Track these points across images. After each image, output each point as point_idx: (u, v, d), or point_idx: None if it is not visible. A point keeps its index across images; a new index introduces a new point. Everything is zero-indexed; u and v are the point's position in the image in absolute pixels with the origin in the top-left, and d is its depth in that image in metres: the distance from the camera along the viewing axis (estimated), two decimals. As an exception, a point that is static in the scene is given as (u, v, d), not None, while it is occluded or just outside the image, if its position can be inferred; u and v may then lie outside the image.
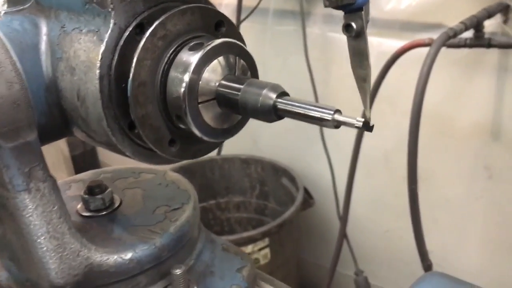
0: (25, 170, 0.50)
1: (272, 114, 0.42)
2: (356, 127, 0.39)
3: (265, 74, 1.87)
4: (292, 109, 0.42)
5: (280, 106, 0.42)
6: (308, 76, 1.77)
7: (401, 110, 1.51)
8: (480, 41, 1.39)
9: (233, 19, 1.87)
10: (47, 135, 0.52)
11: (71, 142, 2.13)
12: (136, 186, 0.66)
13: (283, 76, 1.83)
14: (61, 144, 2.06)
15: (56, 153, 2.04)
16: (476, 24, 1.36)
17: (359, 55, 0.41)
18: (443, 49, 1.34)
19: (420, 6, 1.59)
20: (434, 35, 1.39)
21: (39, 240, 0.51)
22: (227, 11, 1.97)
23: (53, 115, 0.51)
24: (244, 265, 0.62)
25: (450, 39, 1.33)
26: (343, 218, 1.76)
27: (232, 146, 2.03)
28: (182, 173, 0.72)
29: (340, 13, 1.40)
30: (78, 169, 2.09)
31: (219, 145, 0.53)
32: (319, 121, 0.40)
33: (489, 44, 1.38)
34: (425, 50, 1.34)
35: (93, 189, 0.61)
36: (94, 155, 2.29)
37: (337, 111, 0.40)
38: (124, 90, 0.46)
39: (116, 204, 0.62)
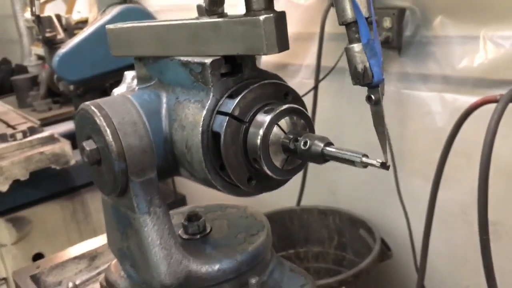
0: (148, 198, 0.73)
1: (320, 158, 0.62)
2: (376, 166, 0.57)
3: (341, 129, 2.11)
4: (334, 154, 0.61)
5: (325, 152, 0.62)
6: (384, 132, 1.93)
7: (476, 164, 1.62)
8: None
9: (312, 78, 2.11)
10: (163, 174, 0.76)
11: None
12: (223, 217, 0.88)
13: (360, 131, 2.00)
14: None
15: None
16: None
17: (378, 117, 0.60)
18: (512, 104, 1.46)
19: (493, 64, 1.72)
20: (505, 92, 1.52)
21: (154, 250, 0.73)
22: (307, 71, 2.22)
23: (168, 159, 0.75)
24: (306, 282, 0.80)
25: (519, 96, 1.45)
26: (421, 270, 1.85)
27: (311, 198, 2.21)
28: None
29: (414, 70, 1.60)
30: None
31: (286, 182, 0.74)
32: (352, 163, 0.59)
33: None
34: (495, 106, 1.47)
35: (191, 218, 0.83)
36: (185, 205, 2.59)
37: (364, 155, 0.59)
38: (217, 142, 0.68)
39: (208, 230, 0.84)
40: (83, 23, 2.50)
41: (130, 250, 0.78)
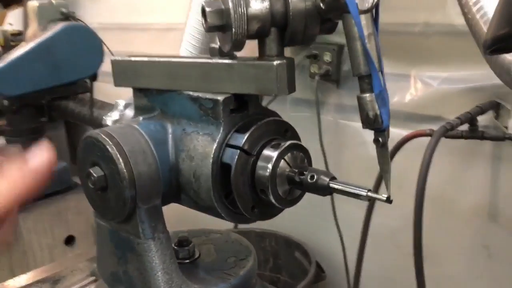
0: (153, 224, 0.78)
1: (326, 190, 0.71)
2: (382, 200, 0.67)
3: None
4: (340, 188, 0.70)
5: (331, 185, 0.71)
6: (322, 159, 2.07)
7: (406, 192, 1.79)
8: (475, 133, 1.70)
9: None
10: (165, 200, 0.81)
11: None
12: (208, 242, 0.94)
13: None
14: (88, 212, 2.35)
15: (84, 220, 2.32)
16: (471, 119, 1.68)
17: (383, 157, 0.70)
18: (443, 138, 1.64)
19: (422, 100, 1.92)
20: (434, 126, 1.70)
21: (157, 274, 0.78)
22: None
23: (172, 187, 0.80)
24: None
25: (448, 131, 1.64)
26: (354, 292, 1.99)
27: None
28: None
29: (350, 102, 1.76)
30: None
31: (282, 211, 0.82)
32: (357, 196, 0.69)
33: (482, 137, 1.69)
34: (426, 139, 1.65)
35: (182, 243, 0.88)
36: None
37: (370, 190, 0.68)
38: (225, 172, 0.75)
39: (197, 255, 0.89)
40: (16, 35, 2.42)
41: (127, 275, 0.81)
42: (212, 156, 0.75)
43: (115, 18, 2.74)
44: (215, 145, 0.75)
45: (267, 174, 0.73)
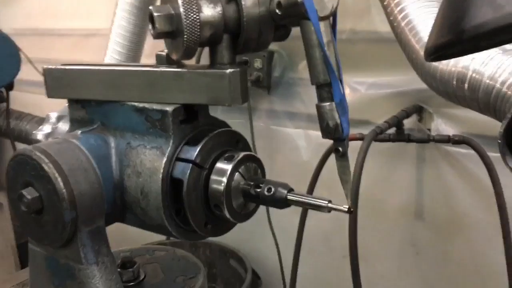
0: (96, 247, 0.71)
1: (284, 203, 0.68)
2: (343, 211, 0.65)
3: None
4: (298, 199, 0.67)
5: (289, 197, 0.67)
6: (255, 165, 2.05)
7: (338, 193, 1.81)
8: (401, 136, 1.75)
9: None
10: (108, 221, 0.73)
11: (18, 231, 2.22)
12: (153, 261, 0.87)
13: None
14: (9, 233, 2.16)
15: (3, 241, 2.13)
16: (397, 122, 1.72)
17: (343, 167, 0.68)
18: (372, 141, 1.67)
19: (350, 105, 1.94)
20: (362, 130, 1.73)
21: (102, 302, 0.70)
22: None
23: (116, 206, 0.73)
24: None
25: (378, 135, 1.67)
26: (290, 297, 1.98)
27: (181, 231, 2.22)
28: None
29: (281, 108, 1.75)
30: (23, 255, 2.17)
31: (235, 225, 0.77)
32: (318, 208, 0.66)
33: (408, 139, 1.74)
34: (356, 143, 1.67)
35: (125, 264, 0.81)
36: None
37: (330, 201, 0.65)
38: (176, 188, 0.69)
39: (142, 276, 0.83)
40: None
41: (67, 305, 0.73)
42: (161, 171, 0.69)
43: (31, 23, 2.57)
44: (164, 159, 0.69)
45: (222, 188, 0.68)
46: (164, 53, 0.70)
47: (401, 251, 1.95)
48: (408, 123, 1.79)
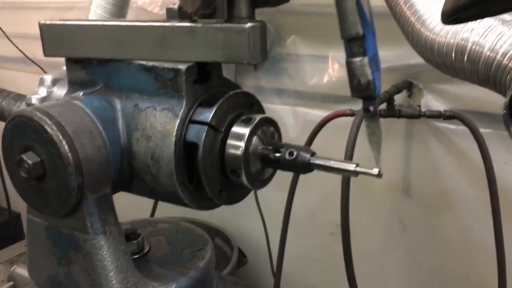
0: (103, 216, 0.65)
1: (307, 168, 0.63)
2: (373, 175, 0.61)
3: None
4: (323, 164, 0.63)
5: (313, 161, 0.63)
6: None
7: (325, 173, 1.78)
8: (392, 112, 1.73)
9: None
10: (115, 188, 0.68)
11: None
12: (157, 233, 0.82)
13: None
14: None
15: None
16: (388, 98, 1.70)
17: (373, 128, 0.63)
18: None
19: (339, 81, 1.91)
20: (352, 106, 1.70)
21: (110, 274, 0.65)
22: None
23: (124, 172, 0.67)
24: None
25: (369, 111, 1.64)
26: (277, 275, 1.95)
27: (165, 208, 2.16)
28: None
29: (268, 85, 1.69)
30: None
31: (249, 192, 0.73)
32: (345, 172, 0.62)
33: (399, 115, 1.72)
34: (345, 119, 1.64)
35: (129, 236, 0.76)
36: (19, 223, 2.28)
37: (357, 164, 0.61)
38: (189, 153, 0.64)
39: (147, 249, 0.78)
40: None
41: (70, 277, 0.68)
42: (174, 134, 0.64)
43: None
44: (177, 121, 0.64)
45: (240, 153, 0.64)
46: (175, 6, 0.64)
47: (389, 227, 1.94)
48: (398, 98, 1.77)
